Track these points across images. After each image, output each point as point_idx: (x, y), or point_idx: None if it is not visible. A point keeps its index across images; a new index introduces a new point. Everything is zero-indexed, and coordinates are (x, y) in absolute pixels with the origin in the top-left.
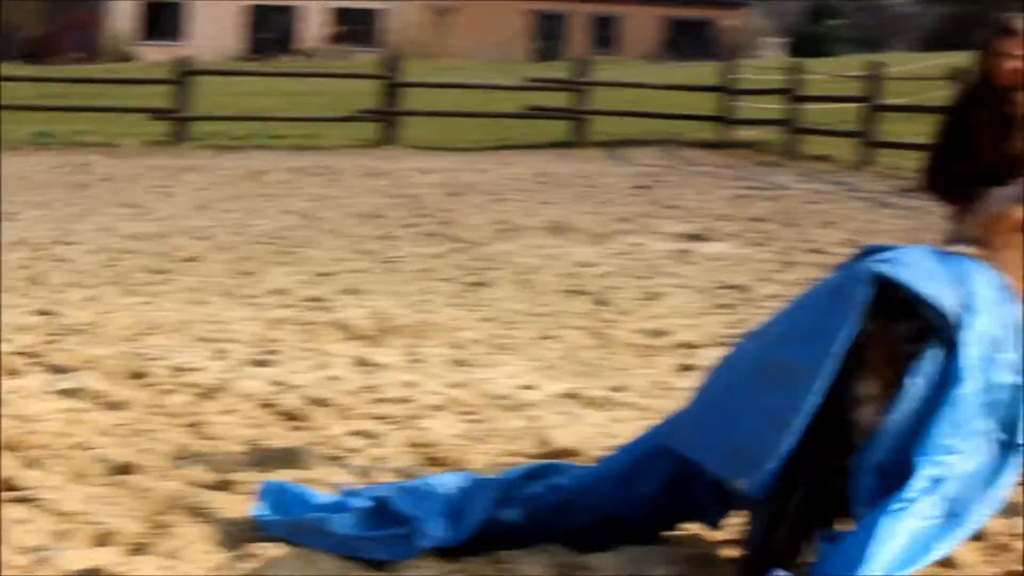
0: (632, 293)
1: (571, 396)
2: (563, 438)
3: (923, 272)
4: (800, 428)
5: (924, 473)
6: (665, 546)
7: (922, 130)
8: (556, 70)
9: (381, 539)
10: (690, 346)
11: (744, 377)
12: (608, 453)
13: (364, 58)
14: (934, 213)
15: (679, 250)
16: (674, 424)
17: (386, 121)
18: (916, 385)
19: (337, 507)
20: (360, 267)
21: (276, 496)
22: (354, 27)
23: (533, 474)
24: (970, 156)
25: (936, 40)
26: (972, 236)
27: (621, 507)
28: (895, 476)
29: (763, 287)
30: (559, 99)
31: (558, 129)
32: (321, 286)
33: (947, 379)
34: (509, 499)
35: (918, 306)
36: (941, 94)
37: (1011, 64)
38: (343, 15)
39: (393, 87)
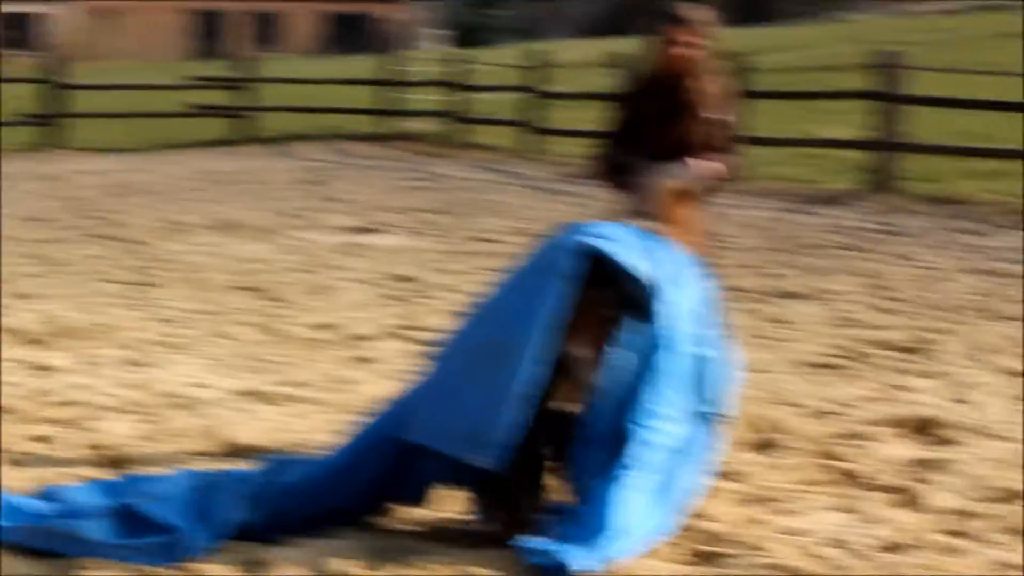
0: (303, 288)
1: (247, 393)
2: (242, 435)
3: (623, 245)
4: (524, 400)
5: (639, 440)
6: (349, 539)
7: (587, 117)
8: (218, 68)
9: (141, 547)
10: (362, 338)
11: (467, 361)
12: (288, 448)
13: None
14: (599, 199)
15: (348, 243)
16: (402, 415)
17: (50, 124)
18: (622, 353)
19: (73, 512)
20: (30, 271)
21: None
22: (12, 32)
23: (265, 471)
24: (641, 142)
25: (597, 27)
26: (648, 213)
27: (345, 497)
28: (614, 444)
29: (433, 277)
30: (223, 97)
31: (222, 127)
32: None
33: (651, 349)
34: (245, 497)
35: (620, 277)
36: (604, 81)
37: (681, 52)
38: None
39: (57, 90)
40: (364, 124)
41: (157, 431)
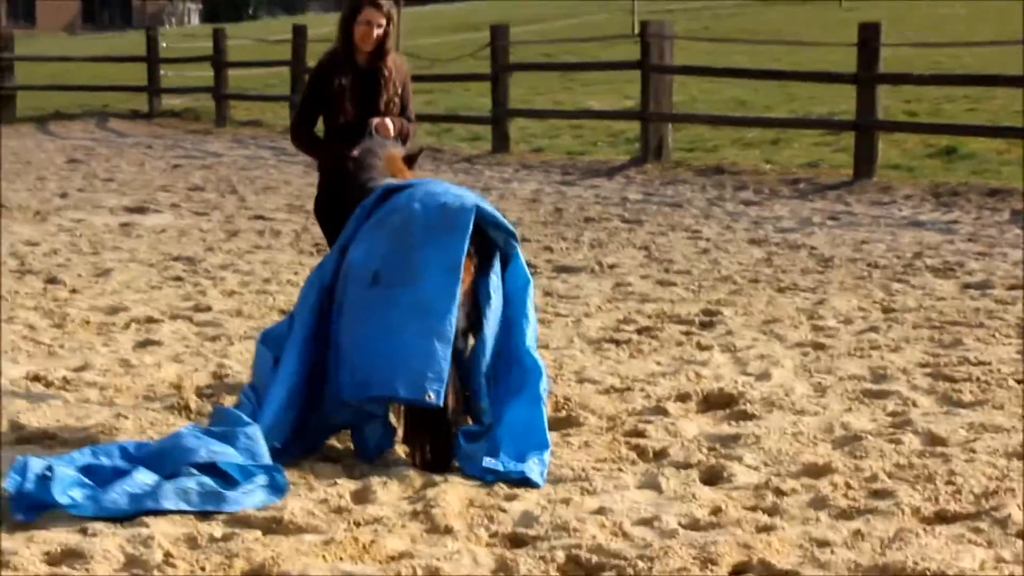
0: (82, 270)
1: (35, 379)
2: (35, 422)
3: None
4: (451, 342)
5: (536, 366)
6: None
7: None
8: None
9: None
10: (147, 320)
11: (384, 321)
12: (81, 436)
13: None
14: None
15: (122, 223)
16: (327, 385)
17: None
18: (496, 292)
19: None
20: None
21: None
22: None
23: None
24: (337, 114)
25: None
26: (388, 174)
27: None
28: (509, 371)
29: (211, 256)
30: None
31: None
32: None
33: (522, 285)
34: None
35: (486, 226)
36: None
37: (374, 32)
38: None
39: None
40: (127, 101)
41: None
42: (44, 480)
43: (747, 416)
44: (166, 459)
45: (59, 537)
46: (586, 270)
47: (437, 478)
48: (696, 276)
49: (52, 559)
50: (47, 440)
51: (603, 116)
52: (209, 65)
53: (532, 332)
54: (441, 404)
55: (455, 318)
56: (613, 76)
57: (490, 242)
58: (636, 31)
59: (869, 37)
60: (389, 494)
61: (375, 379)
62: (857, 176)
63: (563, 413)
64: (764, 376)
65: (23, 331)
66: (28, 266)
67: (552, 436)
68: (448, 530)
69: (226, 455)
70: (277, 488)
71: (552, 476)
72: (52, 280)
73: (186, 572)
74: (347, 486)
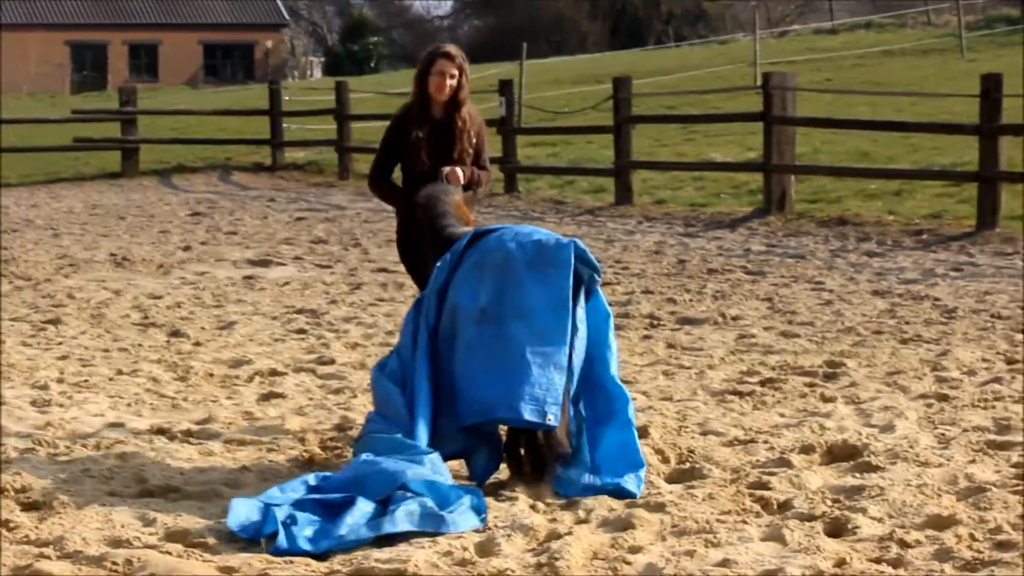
0: (205, 323)
1: (159, 432)
2: (159, 475)
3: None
4: (566, 368)
5: (621, 394)
6: None
7: None
8: (100, 100)
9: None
10: (271, 373)
11: (503, 353)
12: (203, 488)
13: None
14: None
15: (246, 276)
16: (454, 408)
17: None
18: (582, 324)
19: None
20: None
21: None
22: None
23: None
24: (413, 161)
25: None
26: (464, 220)
27: None
28: (599, 398)
29: (335, 309)
30: (105, 129)
31: (106, 160)
32: None
33: (599, 318)
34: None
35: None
36: (486, 106)
37: (447, 83)
38: None
39: None
40: (249, 154)
41: (73, 472)
42: (288, 528)
43: (871, 468)
44: (369, 484)
45: None
46: (709, 322)
47: (561, 529)
48: (819, 328)
49: None
50: (171, 493)
51: (726, 168)
52: (332, 118)
53: (615, 362)
54: (557, 426)
55: (568, 349)
56: (735, 128)
57: (577, 276)
58: (758, 83)
59: (991, 88)
60: (513, 546)
61: (501, 403)
62: (980, 227)
63: (687, 465)
64: (888, 428)
65: (147, 384)
66: (151, 319)
67: (676, 488)
68: None
69: (434, 477)
70: (479, 511)
71: (676, 528)
72: (175, 333)
73: None
74: (471, 538)
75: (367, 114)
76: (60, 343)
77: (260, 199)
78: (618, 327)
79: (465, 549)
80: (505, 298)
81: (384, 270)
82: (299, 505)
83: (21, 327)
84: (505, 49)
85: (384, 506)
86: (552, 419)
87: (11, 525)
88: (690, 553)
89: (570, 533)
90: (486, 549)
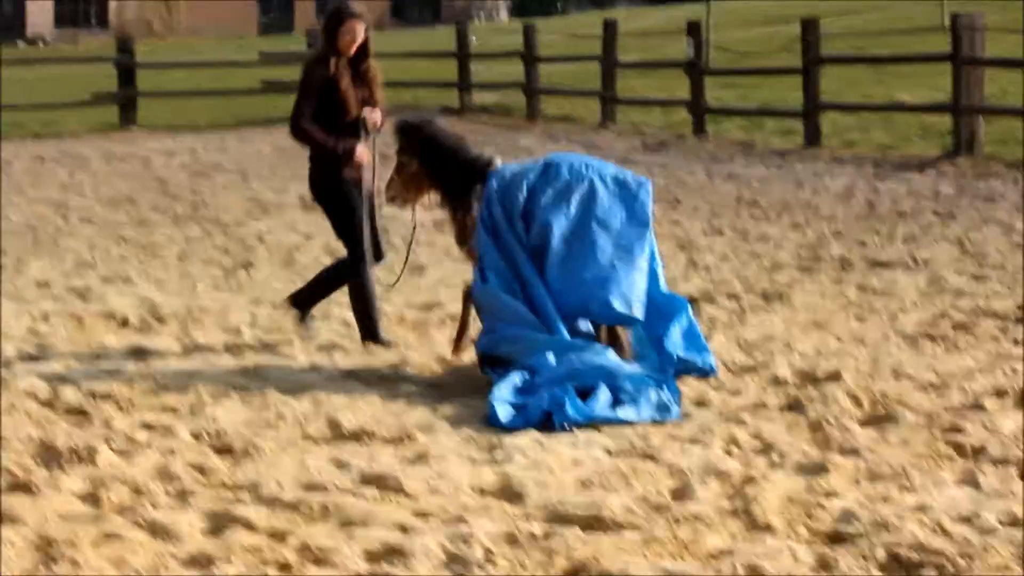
0: (396, 267)
1: (351, 375)
2: (352, 418)
3: None
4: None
5: (677, 297)
6: None
7: (657, 85)
8: (287, 42)
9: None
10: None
11: (595, 261)
12: (397, 432)
13: (91, 42)
14: (680, 168)
15: (436, 221)
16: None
17: (123, 104)
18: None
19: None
20: (119, 254)
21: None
22: (77, 9)
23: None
24: (343, 109)
25: None
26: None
27: None
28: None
29: None
30: (293, 72)
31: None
32: (83, 276)
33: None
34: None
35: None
36: (674, 48)
37: (357, 40)
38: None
39: (127, 69)
40: (438, 97)
41: (266, 416)
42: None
43: None
44: (587, 377)
45: (379, 535)
46: (900, 265)
47: (755, 474)
48: (1011, 271)
49: (372, 556)
50: (364, 436)
51: (914, 109)
52: (519, 60)
53: (662, 275)
54: (643, 319)
55: (648, 258)
56: (924, 69)
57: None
58: (947, 23)
59: None
60: (708, 491)
61: (594, 300)
62: None
63: (880, 409)
64: None
65: (340, 329)
66: None
67: (869, 432)
68: (768, 527)
69: (638, 371)
70: (678, 402)
71: (871, 473)
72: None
73: (507, 570)
74: (665, 483)
75: (554, 56)
76: (252, 287)
77: None
78: (808, 269)
79: (660, 494)
80: (592, 219)
81: None
82: (558, 387)
83: (212, 271)
84: None
85: (615, 395)
86: (638, 311)
87: (206, 469)
88: (885, 498)
89: (764, 478)
90: (681, 493)
